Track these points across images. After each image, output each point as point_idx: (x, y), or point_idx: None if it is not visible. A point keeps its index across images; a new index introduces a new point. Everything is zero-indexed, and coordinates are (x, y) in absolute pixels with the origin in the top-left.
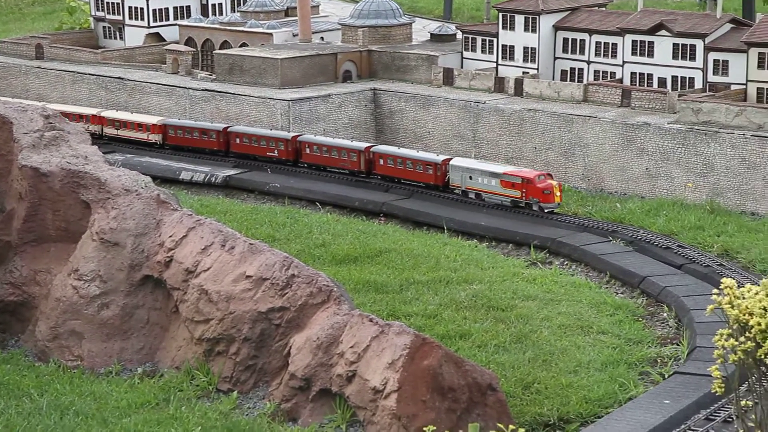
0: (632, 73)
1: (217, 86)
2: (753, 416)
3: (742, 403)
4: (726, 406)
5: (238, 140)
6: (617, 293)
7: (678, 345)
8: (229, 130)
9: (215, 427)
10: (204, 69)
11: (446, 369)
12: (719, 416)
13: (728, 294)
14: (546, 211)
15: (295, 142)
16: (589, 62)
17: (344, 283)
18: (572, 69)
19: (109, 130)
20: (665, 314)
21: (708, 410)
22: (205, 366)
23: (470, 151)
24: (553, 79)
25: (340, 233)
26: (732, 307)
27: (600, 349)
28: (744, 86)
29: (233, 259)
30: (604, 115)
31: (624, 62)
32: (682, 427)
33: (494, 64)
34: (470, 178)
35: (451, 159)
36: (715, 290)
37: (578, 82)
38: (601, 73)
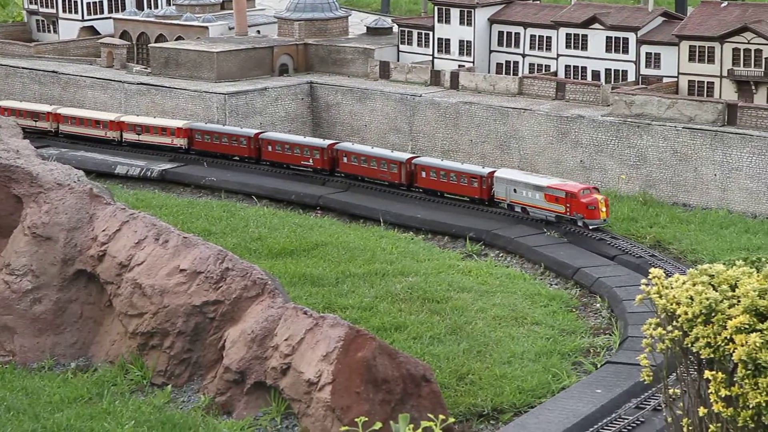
0: (566, 66)
1: (153, 80)
2: (681, 404)
3: (671, 391)
4: (656, 394)
5: (270, 148)
6: (551, 284)
7: (610, 335)
8: (261, 136)
9: (149, 420)
10: (139, 62)
11: (380, 361)
12: (649, 405)
13: (656, 284)
14: (591, 228)
15: (331, 151)
16: (524, 55)
17: (280, 276)
18: (507, 62)
19: (130, 136)
20: (598, 305)
21: (638, 399)
22: (140, 360)
23: (407, 145)
24: (489, 73)
25: (276, 227)
26: (660, 296)
27: (534, 340)
28: (676, 79)
29: (167, 253)
30: (539, 107)
31: (558, 55)
32: (613, 415)
33: (430, 58)
34: (515, 191)
35: (495, 171)
36: (644, 280)
37: (513, 75)
38: (536, 66)
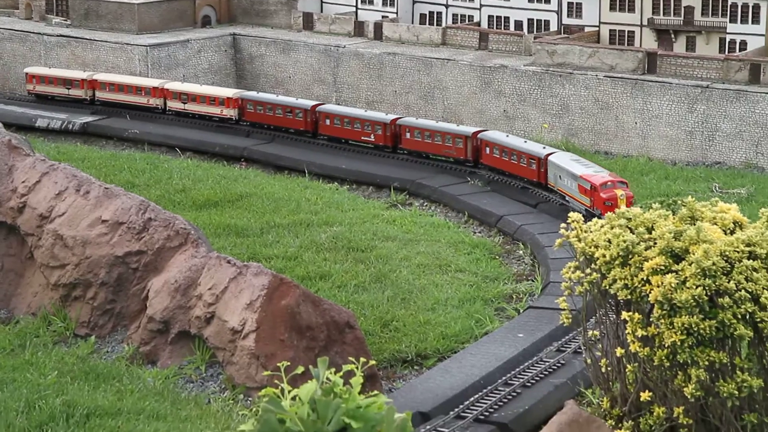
0: (489, 17)
1: (73, 32)
2: (600, 346)
3: (590, 333)
4: (576, 337)
5: (328, 121)
6: (475, 232)
7: (533, 281)
8: (318, 108)
9: (72, 371)
10: (59, 14)
11: (304, 308)
12: (569, 347)
13: (575, 228)
14: None
15: (394, 126)
16: (447, 6)
17: (205, 227)
18: (431, 12)
19: (174, 104)
20: (521, 252)
21: (559, 342)
22: (62, 311)
23: (331, 96)
24: (412, 23)
25: (200, 178)
26: (579, 240)
27: (457, 287)
28: (597, 28)
29: (88, 204)
30: (462, 58)
31: (481, 5)
32: (535, 359)
33: (354, 9)
34: (560, 177)
35: (552, 154)
36: (563, 225)
37: (437, 25)
38: (459, 16)
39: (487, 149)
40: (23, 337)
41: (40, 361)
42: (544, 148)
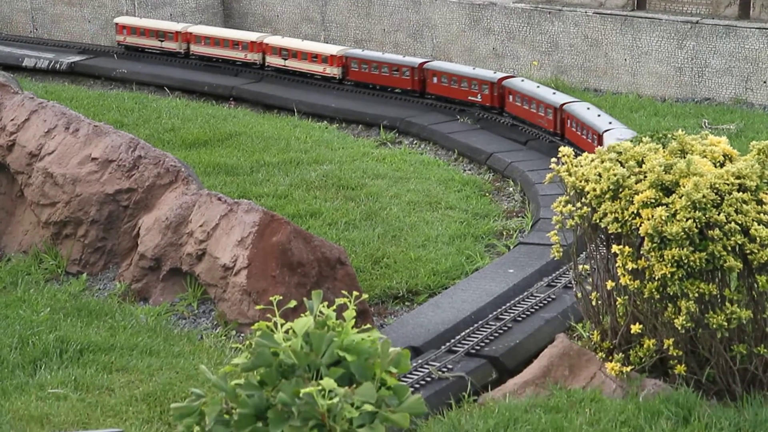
0: None
1: None
2: (590, 280)
3: (580, 267)
4: (566, 272)
5: (435, 79)
6: (465, 170)
7: (523, 217)
8: (425, 66)
9: (64, 308)
10: None
11: (295, 245)
12: (560, 283)
13: (566, 162)
14: None
15: (500, 87)
16: None
17: (194, 166)
18: None
19: (274, 60)
20: (511, 189)
21: (550, 277)
22: (54, 249)
23: (320, 35)
24: None
25: (189, 118)
26: (569, 174)
27: (448, 224)
28: None
29: (78, 142)
30: None
31: None
32: (525, 293)
33: None
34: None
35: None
36: (553, 159)
37: None
38: None
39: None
40: (15, 275)
41: (32, 298)
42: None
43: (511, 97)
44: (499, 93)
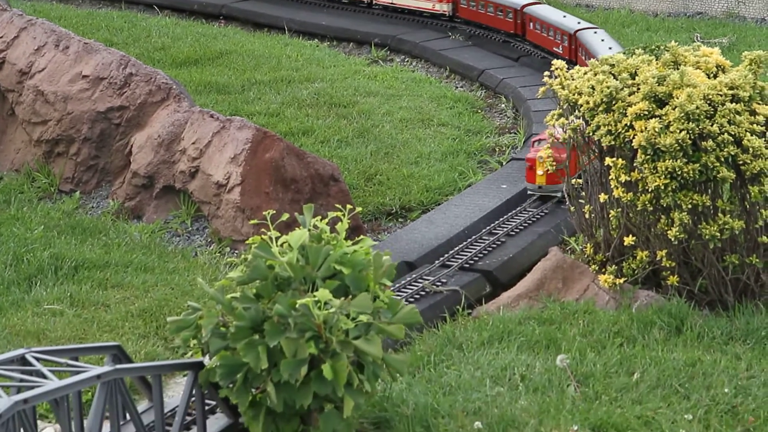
0: None
1: None
2: (583, 193)
3: (573, 181)
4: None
5: (532, 26)
6: (457, 87)
7: (515, 134)
8: (524, 10)
9: (58, 225)
10: None
11: (288, 161)
12: (553, 197)
13: (558, 75)
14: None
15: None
16: None
17: (185, 85)
18: None
19: None
20: (503, 105)
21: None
22: (46, 167)
23: None
24: None
25: (179, 36)
26: (562, 87)
27: (440, 141)
28: None
29: (68, 59)
30: None
31: None
32: (518, 208)
33: None
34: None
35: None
36: (546, 72)
37: None
38: None
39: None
40: (8, 193)
41: (25, 216)
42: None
43: (582, 54)
44: (575, 46)
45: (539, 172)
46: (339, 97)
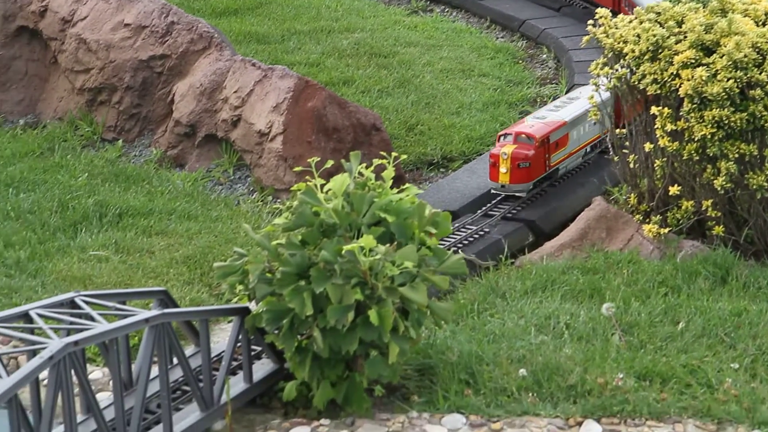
0: None
1: None
2: (627, 143)
3: (617, 131)
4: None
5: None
6: (497, 37)
7: (556, 84)
8: None
9: (102, 173)
10: None
11: (330, 110)
12: (598, 149)
13: (603, 24)
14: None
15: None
16: None
17: (226, 34)
18: None
19: None
20: (544, 56)
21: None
22: (89, 116)
23: None
24: None
25: None
26: (607, 36)
27: (481, 91)
28: None
29: (110, 8)
30: None
31: None
32: None
33: None
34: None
35: None
36: (590, 21)
37: None
38: None
39: None
40: (51, 141)
41: (69, 163)
42: None
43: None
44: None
45: (502, 169)
46: (379, 47)
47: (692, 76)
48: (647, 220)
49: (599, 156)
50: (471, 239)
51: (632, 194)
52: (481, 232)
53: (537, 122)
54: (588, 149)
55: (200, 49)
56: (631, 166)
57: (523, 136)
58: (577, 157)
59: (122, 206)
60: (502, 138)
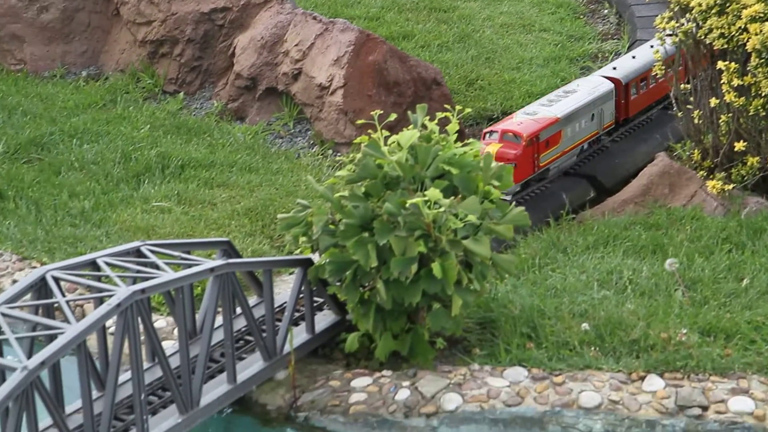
0: None
1: None
2: (692, 99)
3: (681, 86)
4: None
5: None
6: None
7: (618, 39)
8: None
9: (164, 125)
10: None
11: (391, 64)
12: (660, 104)
13: None
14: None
15: None
16: None
17: None
18: None
19: None
20: (606, 11)
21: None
22: (150, 68)
23: None
24: None
25: None
26: None
27: (542, 46)
28: None
29: None
30: None
31: None
32: None
33: None
34: None
35: None
36: None
37: None
38: None
39: None
40: (114, 93)
41: (132, 115)
42: None
43: None
44: None
45: None
46: (439, 2)
47: (760, 31)
48: (711, 176)
49: (662, 111)
50: (531, 195)
51: (696, 150)
52: (542, 188)
53: (526, 119)
54: (585, 146)
55: (261, 2)
56: (696, 121)
57: (510, 134)
58: (571, 155)
59: (184, 158)
60: (487, 135)
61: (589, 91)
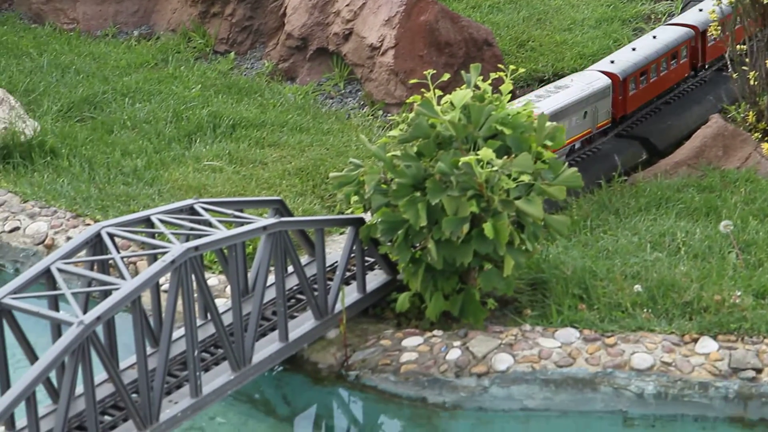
0: None
1: None
2: (747, 60)
3: (737, 47)
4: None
5: None
6: None
7: (672, 1)
8: None
9: (215, 85)
10: None
11: (443, 24)
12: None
13: None
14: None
15: None
16: None
17: None
18: None
19: None
20: None
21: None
22: (201, 28)
23: None
24: None
25: None
26: None
27: (594, 7)
28: None
29: None
30: None
31: None
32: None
33: None
34: None
35: None
36: None
37: None
38: None
39: None
40: (165, 52)
41: (183, 75)
42: None
43: None
44: None
45: None
46: None
47: None
48: (766, 138)
49: (716, 73)
50: (583, 156)
51: (751, 112)
52: (594, 150)
53: None
54: (576, 145)
55: None
56: (752, 83)
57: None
58: (560, 154)
59: (235, 118)
60: None
61: (582, 87)
